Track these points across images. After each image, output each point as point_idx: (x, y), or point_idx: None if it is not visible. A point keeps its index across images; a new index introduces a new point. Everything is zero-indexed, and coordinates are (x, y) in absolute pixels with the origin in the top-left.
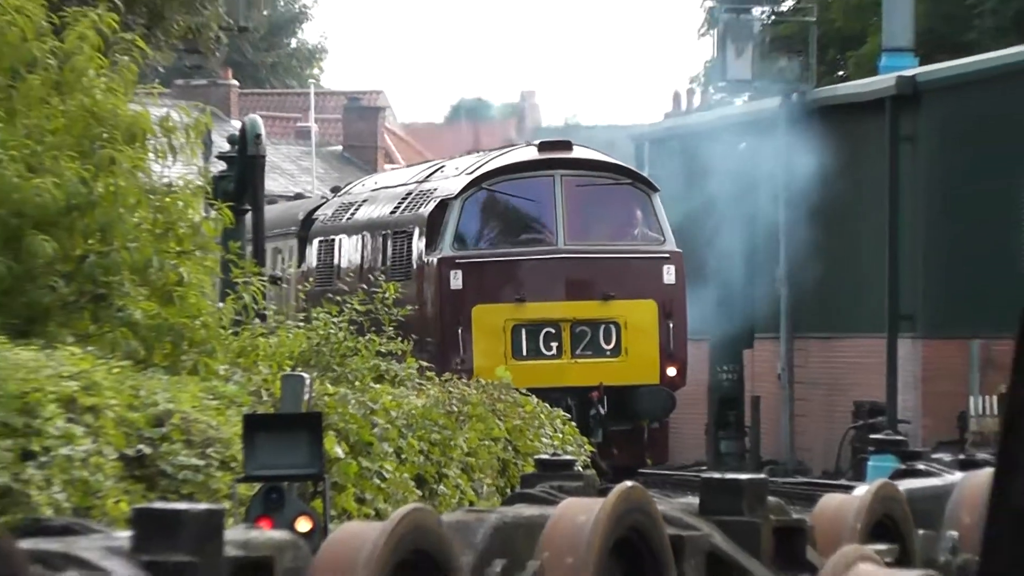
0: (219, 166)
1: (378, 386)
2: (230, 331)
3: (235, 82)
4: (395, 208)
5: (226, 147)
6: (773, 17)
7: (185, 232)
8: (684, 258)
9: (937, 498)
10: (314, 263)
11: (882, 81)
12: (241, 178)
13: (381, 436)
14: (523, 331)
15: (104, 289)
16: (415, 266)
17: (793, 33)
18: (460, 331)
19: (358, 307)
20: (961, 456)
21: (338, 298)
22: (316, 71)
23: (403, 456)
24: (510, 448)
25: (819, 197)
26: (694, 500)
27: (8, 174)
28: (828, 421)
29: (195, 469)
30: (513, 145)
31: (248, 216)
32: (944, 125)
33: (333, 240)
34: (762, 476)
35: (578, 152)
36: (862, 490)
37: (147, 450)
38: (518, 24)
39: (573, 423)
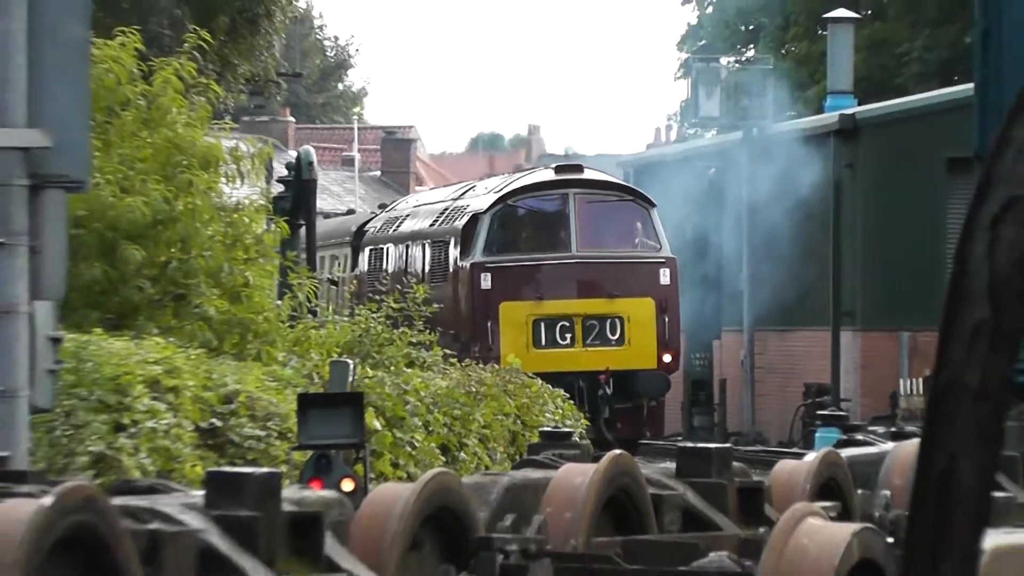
0: (278, 188)
1: (409, 370)
2: (287, 324)
3: (292, 119)
4: (434, 221)
5: (284, 172)
6: (737, 65)
7: (250, 243)
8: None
9: (873, 463)
10: (365, 268)
11: (827, 118)
12: (296, 198)
13: (412, 412)
14: (542, 324)
15: (184, 290)
16: (451, 270)
17: (753, 79)
18: (489, 324)
19: (393, 305)
20: (893, 429)
21: (376, 297)
22: (359, 109)
23: (430, 428)
24: (519, 422)
25: (775, 214)
26: (671, 465)
27: (105, 194)
28: (782, 400)
29: (258, 439)
30: (533, 168)
31: (302, 230)
32: (878, 154)
33: (382, 248)
34: (728, 445)
35: (588, 174)
36: (811, 457)
37: (218, 423)
38: (526, 70)
39: (571, 401)
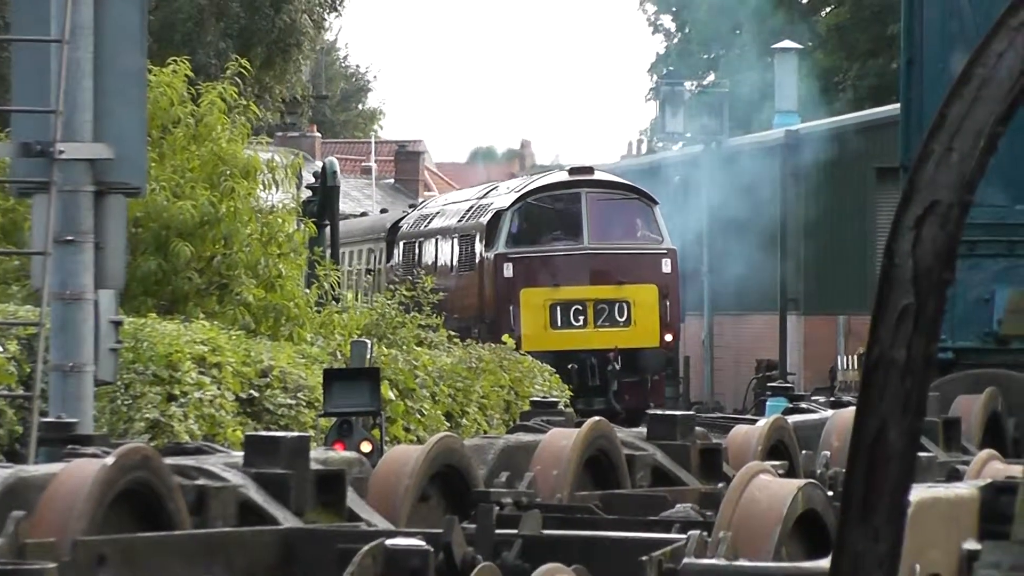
0: (307, 194)
1: (419, 348)
2: (315, 310)
3: (318, 134)
4: (461, 218)
5: (311, 180)
6: (699, 88)
7: (283, 240)
8: None
9: (815, 428)
10: (400, 260)
11: (775, 134)
12: (322, 202)
13: (421, 384)
14: (558, 308)
15: (226, 280)
16: (477, 261)
17: (713, 100)
18: (511, 308)
19: (406, 293)
20: (832, 399)
21: (390, 287)
22: (376, 126)
23: (436, 398)
24: (512, 393)
25: (731, 214)
26: (643, 430)
27: (159, 199)
28: (737, 374)
29: (289, 407)
30: (548, 171)
31: (327, 229)
32: (819, 163)
33: (414, 243)
34: (691, 412)
35: (598, 175)
36: (762, 423)
37: (255, 394)
38: (518, 92)
39: (556, 375)
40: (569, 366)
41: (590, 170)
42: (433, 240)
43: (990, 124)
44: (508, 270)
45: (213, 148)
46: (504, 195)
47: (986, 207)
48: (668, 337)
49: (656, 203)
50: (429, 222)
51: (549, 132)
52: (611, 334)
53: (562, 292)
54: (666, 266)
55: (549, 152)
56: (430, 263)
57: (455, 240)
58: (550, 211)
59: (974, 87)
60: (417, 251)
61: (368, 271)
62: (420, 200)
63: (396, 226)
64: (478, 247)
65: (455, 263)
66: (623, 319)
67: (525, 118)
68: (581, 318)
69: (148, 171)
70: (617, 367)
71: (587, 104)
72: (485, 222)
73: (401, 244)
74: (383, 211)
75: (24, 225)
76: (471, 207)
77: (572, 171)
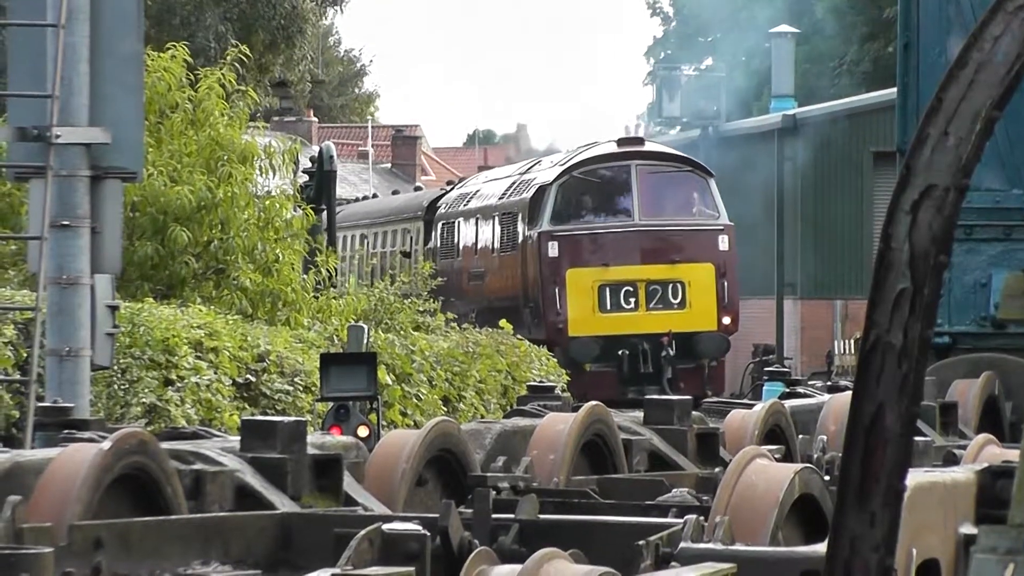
0: (303, 178)
1: (416, 333)
2: (312, 295)
3: (315, 119)
4: (502, 195)
5: (308, 164)
6: (696, 72)
7: (280, 225)
8: None
9: (812, 412)
10: (439, 242)
11: (771, 118)
12: (319, 187)
13: (418, 369)
14: (607, 289)
15: (223, 265)
16: (520, 240)
17: (710, 84)
18: (557, 290)
19: (404, 279)
20: (828, 383)
21: (391, 272)
22: (372, 110)
23: (433, 383)
24: (510, 377)
25: (727, 199)
26: (639, 414)
27: (157, 184)
28: (734, 358)
29: (286, 392)
30: (595, 143)
31: (324, 214)
32: (815, 148)
33: (453, 222)
34: (688, 397)
35: (649, 146)
36: (759, 407)
37: (252, 379)
38: (514, 76)
39: (554, 359)
40: (619, 352)
41: (640, 141)
42: (473, 219)
43: (986, 108)
44: (553, 249)
45: (211, 133)
46: (548, 169)
47: (983, 191)
48: (726, 320)
49: (712, 175)
50: (468, 201)
51: (546, 117)
52: (664, 317)
53: (611, 272)
54: (723, 243)
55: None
56: (470, 244)
57: (496, 219)
58: (597, 185)
59: (970, 71)
60: (456, 232)
61: (404, 254)
62: (447, 185)
63: (434, 205)
64: (520, 226)
65: (496, 243)
66: (677, 301)
67: (522, 102)
68: (632, 300)
69: (145, 156)
70: (671, 352)
71: (584, 88)
72: (528, 199)
73: (439, 225)
74: (417, 189)
75: (21, 210)
76: (513, 183)
77: (620, 142)
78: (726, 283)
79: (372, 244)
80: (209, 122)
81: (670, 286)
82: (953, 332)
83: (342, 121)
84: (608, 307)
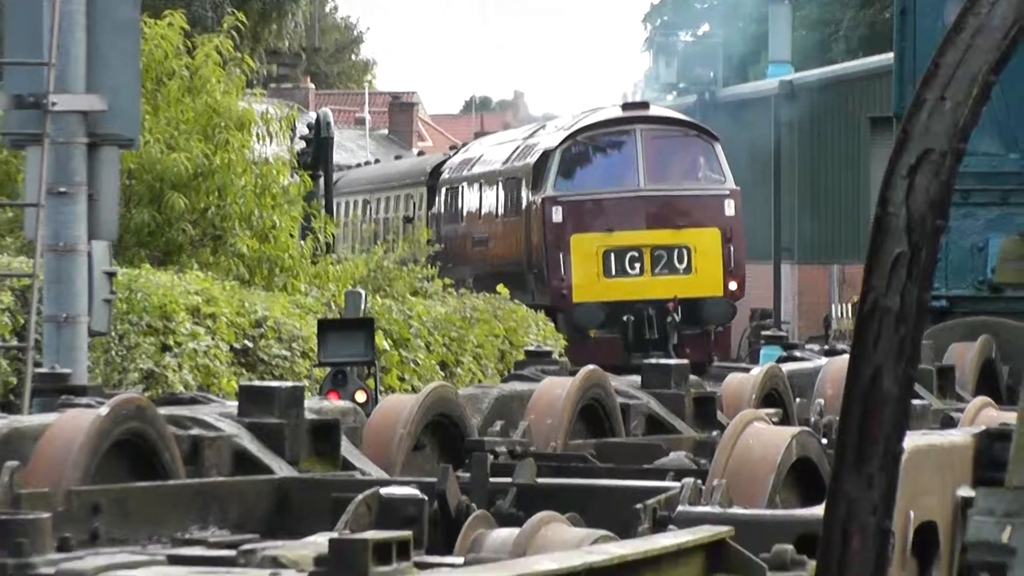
0: (300, 145)
1: (413, 298)
2: (309, 261)
3: (312, 86)
4: (506, 160)
5: (305, 131)
6: (693, 38)
7: (277, 192)
8: None
9: (809, 376)
10: (442, 208)
11: (769, 83)
12: (316, 154)
13: (416, 334)
14: (612, 255)
15: (220, 232)
16: (524, 206)
17: (707, 50)
18: (561, 256)
19: (404, 246)
20: (826, 347)
21: (388, 237)
22: (369, 77)
23: (431, 348)
24: (507, 342)
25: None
26: (637, 378)
27: (153, 151)
28: (733, 322)
29: (283, 358)
30: (600, 107)
31: (321, 180)
32: (812, 113)
33: (457, 188)
34: (685, 361)
35: (654, 110)
36: (756, 371)
37: (250, 344)
38: (513, 42)
39: (551, 325)
40: (624, 318)
41: (645, 105)
42: (477, 184)
43: (983, 72)
44: (557, 214)
45: (208, 101)
46: (552, 134)
47: (980, 156)
48: (732, 285)
49: (717, 139)
50: (472, 166)
51: (543, 83)
52: (670, 282)
53: (616, 238)
54: (729, 208)
55: (541, 103)
56: (474, 209)
57: (500, 184)
58: (602, 150)
59: (967, 36)
60: (460, 197)
61: (407, 219)
62: (449, 150)
63: (437, 170)
64: (524, 191)
65: (500, 208)
66: (683, 266)
67: (519, 69)
68: (637, 265)
69: (142, 123)
70: (677, 318)
71: (581, 55)
72: (532, 164)
73: (443, 190)
74: (420, 154)
75: (17, 177)
76: (516, 148)
77: (625, 106)
78: (732, 248)
79: (375, 210)
80: (206, 89)
81: (675, 251)
82: (950, 296)
83: (339, 88)
84: (613, 272)
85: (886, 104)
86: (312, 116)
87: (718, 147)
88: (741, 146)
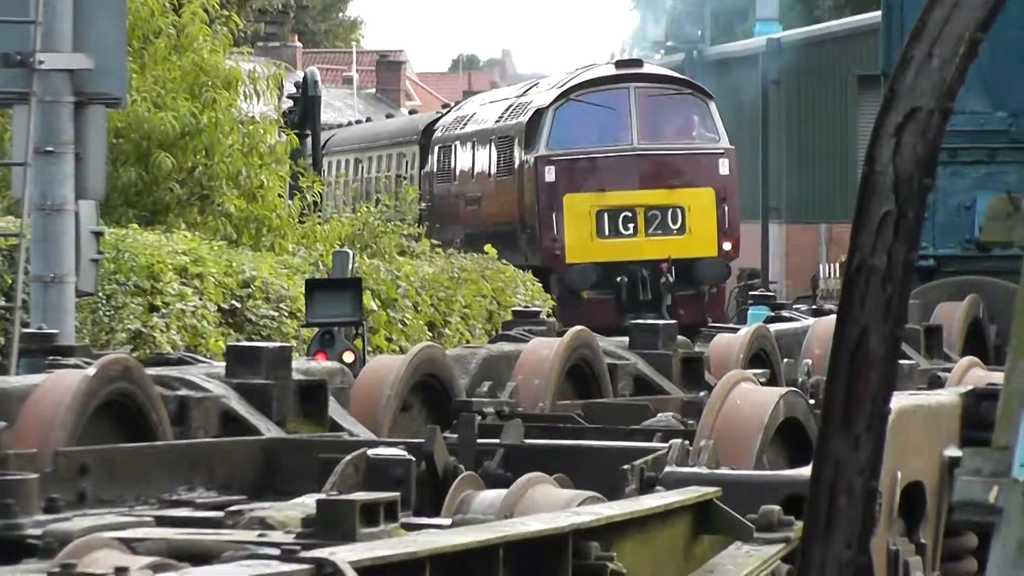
0: (288, 104)
1: (401, 258)
2: (297, 220)
3: (299, 44)
4: (499, 118)
5: (293, 90)
6: None
7: (264, 151)
8: None
9: (797, 336)
10: (435, 167)
11: (756, 41)
12: (303, 113)
13: (403, 294)
14: (605, 215)
15: (208, 191)
16: (516, 165)
17: (694, 8)
18: (554, 216)
19: (388, 203)
20: (813, 307)
21: (376, 196)
22: (357, 36)
23: (419, 308)
24: (495, 302)
25: None
26: (624, 339)
27: (140, 110)
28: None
29: (271, 318)
30: (593, 65)
31: (308, 139)
32: (799, 71)
33: (450, 147)
34: (673, 321)
35: (648, 68)
36: (744, 331)
37: (237, 305)
38: (499, 1)
39: (539, 285)
40: (618, 278)
41: (639, 63)
42: (469, 143)
43: (971, 30)
44: (550, 174)
45: (194, 59)
46: (544, 92)
47: (967, 114)
48: (727, 246)
49: (712, 98)
50: (465, 124)
51: (531, 41)
52: (664, 243)
53: (609, 197)
54: (724, 167)
55: (529, 62)
56: (467, 168)
57: (492, 143)
58: (595, 109)
59: None
60: (453, 156)
61: (399, 177)
62: (441, 108)
63: (430, 129)
64: (517, 150)
65: (493, 168)
66: (677, 226)
67: (507, 27)
68: (631, 226)
69: (129, 82)
70: (671, 279)
71: (569, 13)
72: (524, 122)
73: (436, 149)
74: (412, 112)
75: (4, 136)
76: (509, 107)
77: (619, 64)
78: (727, 208)
79: (367, 169)
80: (193, 48)
81: (669, 211)
82: (938, 255)
83: (326, 46)
84: (606, 233)
85: (874, 62)
86: (299, 75)
87: (712, 105)
88: (728, 105)
